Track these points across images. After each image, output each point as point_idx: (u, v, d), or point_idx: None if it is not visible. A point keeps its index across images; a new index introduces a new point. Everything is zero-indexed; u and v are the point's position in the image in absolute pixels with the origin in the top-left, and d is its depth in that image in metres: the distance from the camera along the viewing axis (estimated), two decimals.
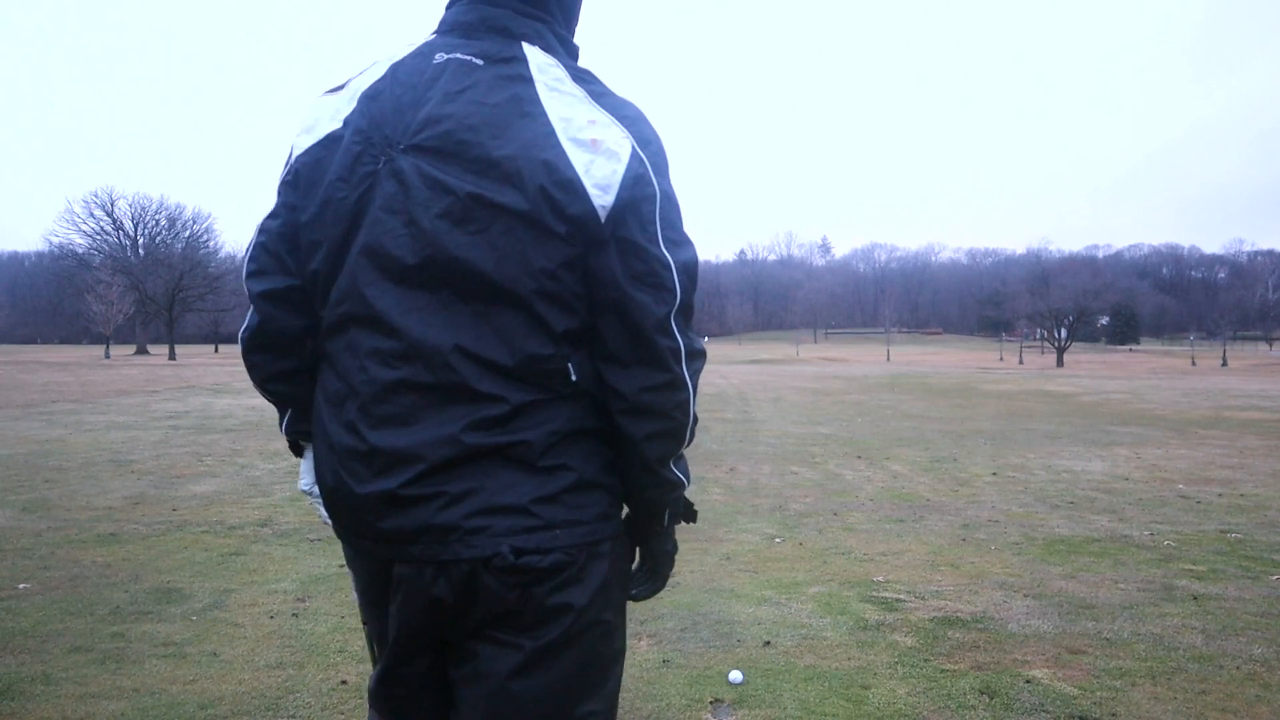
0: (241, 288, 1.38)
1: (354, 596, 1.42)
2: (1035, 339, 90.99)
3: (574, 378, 1.25)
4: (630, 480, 1.32)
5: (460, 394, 1.20)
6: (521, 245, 1.19)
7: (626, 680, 3.05)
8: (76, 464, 8.03)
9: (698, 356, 1.28)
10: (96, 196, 69.71)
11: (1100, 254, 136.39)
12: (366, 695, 1.42)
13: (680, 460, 1.34)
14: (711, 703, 2.89)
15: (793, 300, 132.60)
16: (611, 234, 1.21)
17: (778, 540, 5.31)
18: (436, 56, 1.29)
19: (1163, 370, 47.33)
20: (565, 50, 1.34)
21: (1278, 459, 9.41)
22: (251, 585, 4.20)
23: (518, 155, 1.19)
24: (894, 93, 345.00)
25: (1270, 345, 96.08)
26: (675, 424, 1.28)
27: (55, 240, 71.60)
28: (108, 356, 50.35)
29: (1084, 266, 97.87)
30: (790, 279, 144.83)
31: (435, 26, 1.37)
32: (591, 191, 1.19)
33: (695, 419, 1.32)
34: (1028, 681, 3.07)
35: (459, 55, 1.28)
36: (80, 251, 70.00)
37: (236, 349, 1.46)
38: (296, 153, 1.32)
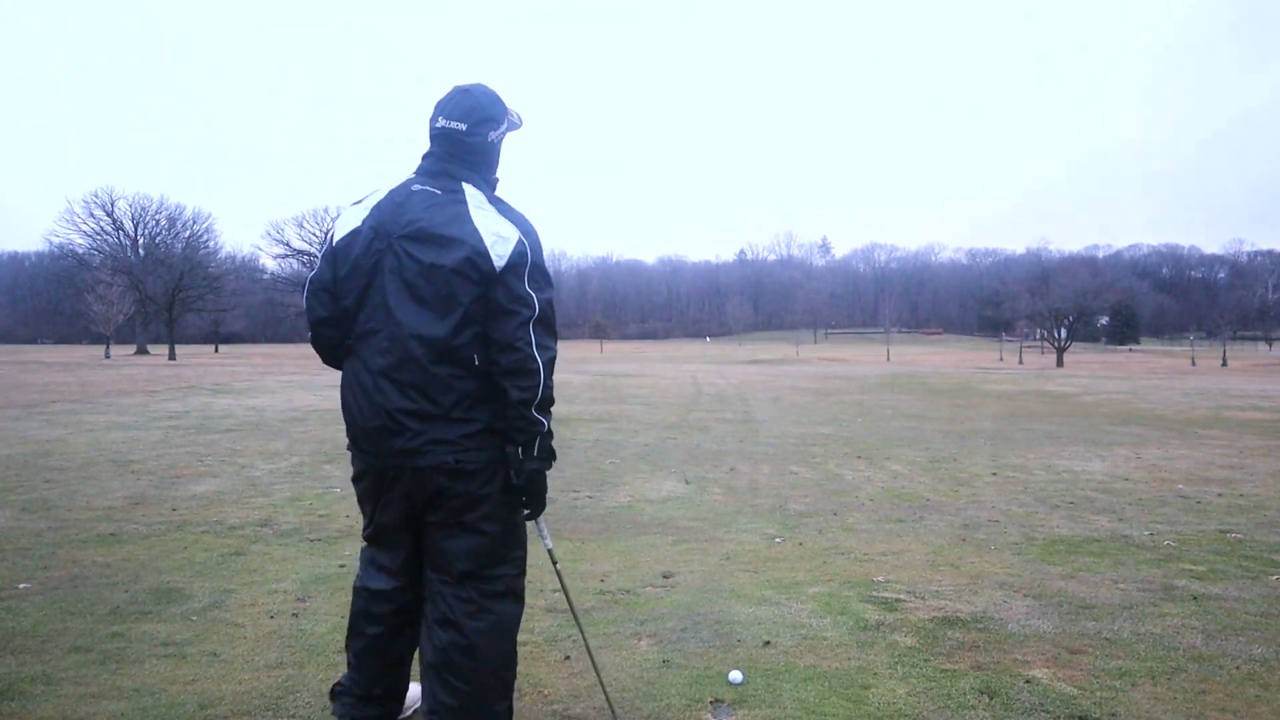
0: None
1: (357, 490, 2.53)
2: (1035, 339, 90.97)
3: (476, 362, 2.32)
4: (509, 421, 2.34)
5: (421, 373, 2.30)
6: (453, 287, 2.29)
7: (626, 680, 3.06)
8: (76, 464, 8.03)
9: (546, 349, 2.32)
10: (96, 196, 69.67)
11: (1100, 254, 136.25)
12: (364, 542, 2.59)
13: (543, 409, 2.34)
14: (711, 703, 2.89)
15: (793, 300, 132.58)
16: (500, 279, 2.29)
17: (778, 540, 5.31)
18: (414, 187, 2.42)
19: (1163, 370, 47.34)
20: (487, 184, 2.48)
21: (1278, 459, 9.41)
22: (251, 585, 4.20)
23: (455, 238, 2.30)
24: (894, 93, 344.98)
25: (1270, 345, 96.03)
26: (531, 383, 2.30)
27: (55, 240, 71.67)
28: (108, 356, 50.35)
29: (1084, 266, 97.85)
30: (790, 279, 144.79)
31: (416, 168, 2.48)
32: (494, 257, 2.29)
33: (547, 386, 2.33)
34: (1028, 681, 3.07)
35: (427, 187, 2.41)
36: (80, 251, 69.96)
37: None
38: (336, 238, 2.43)
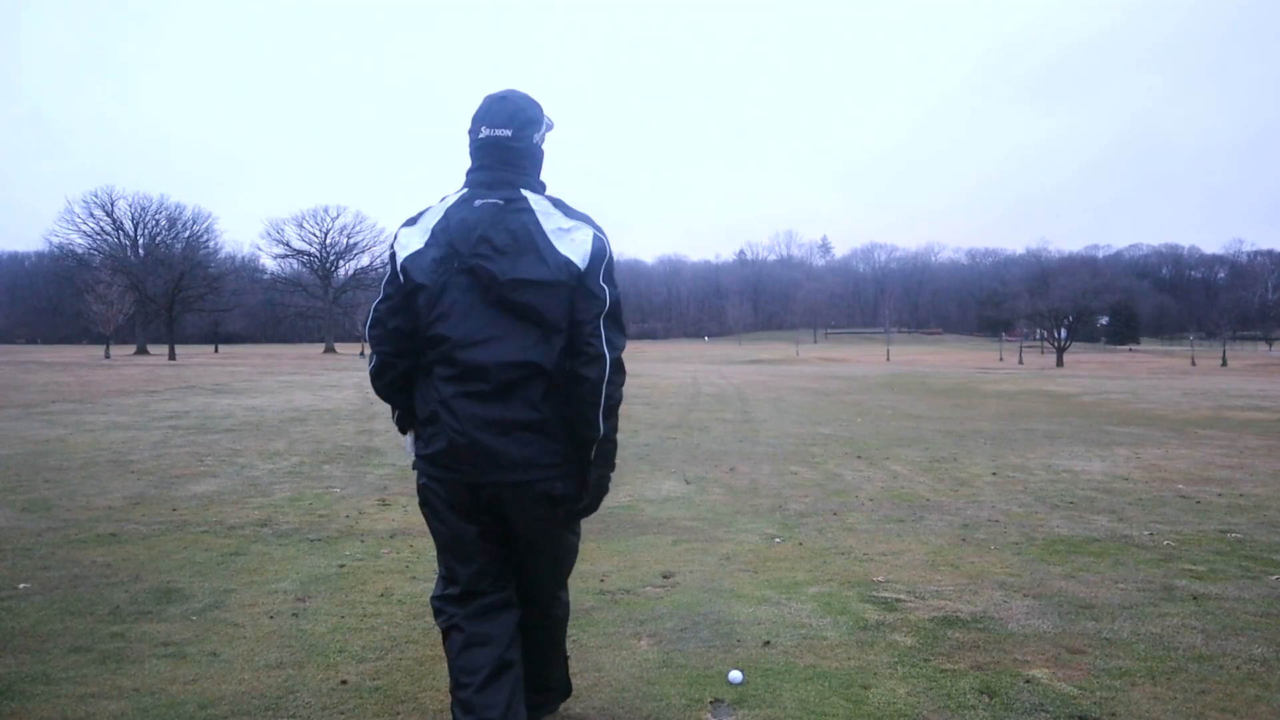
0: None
1: (435, 522, 2.41)
2: (1035, 339, 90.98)
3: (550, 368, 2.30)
4: (577, 419, 2.32)
5: (513, 388, 2.27)
6: (543, 297, 2.27)
7: (626, 680, 3.06)
8: (76, 464, 8.03)
9: (615, 346, 2.32)
10: (96, 196, 69.56)
11: (1100, 254, 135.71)
12: (446, 599, 2.41)
13: (610, 418, 2.33)
14: (711, 703, 2.89)
15: (793, 300, 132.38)
16: (582, 280, 2.30)
17: (778, 540, 5.31)
18: (476, 201, 2.35)
19: (1162, 370, 47.34)
20: (540, 186, 2.45)
21: (1278, 459, 9.41)
22: (251, 585, 4.20)
23: (531, 250, 2.28)
24: (893, 92, 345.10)
25: (1270, 345, 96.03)
26: (599, 370, 2.28)
27: (55, 240, 71.51)
28: (108, 356, 50.35)
29: (1084, 266, 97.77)
30: (790, 279, 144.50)
31: (464, 181, 2.43)
32: (576, 260, 2.29)
33: (616, 384, 2.33)
34: (1028, 681, 3.07)
35: (490, 200, 2.34)
36: (80, 251, 69.91)
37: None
38: (401, 258, 2.34)
